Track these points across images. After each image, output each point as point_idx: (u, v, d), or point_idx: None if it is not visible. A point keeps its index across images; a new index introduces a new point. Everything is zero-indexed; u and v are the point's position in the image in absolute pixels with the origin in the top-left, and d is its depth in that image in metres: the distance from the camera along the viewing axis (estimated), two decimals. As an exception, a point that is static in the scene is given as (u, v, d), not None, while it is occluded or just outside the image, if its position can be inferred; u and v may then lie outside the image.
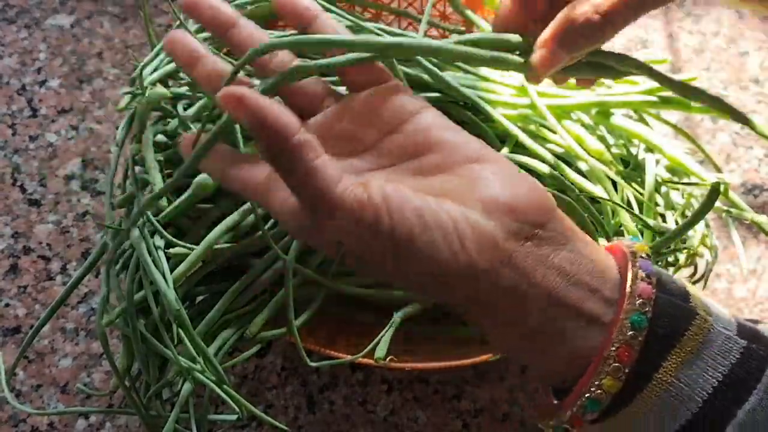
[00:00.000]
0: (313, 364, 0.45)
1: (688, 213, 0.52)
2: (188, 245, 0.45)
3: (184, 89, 0.49)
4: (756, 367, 0.32)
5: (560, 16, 0.37)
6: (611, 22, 0.36)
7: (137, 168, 0.47)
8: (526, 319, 0.33)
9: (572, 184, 0.49)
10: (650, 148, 0.53)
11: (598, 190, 0.50)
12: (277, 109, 0.31)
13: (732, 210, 0.53)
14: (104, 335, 0.45)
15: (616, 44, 0.70)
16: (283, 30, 0.56)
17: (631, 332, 0.32)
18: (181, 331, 0.43)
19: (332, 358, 0.46)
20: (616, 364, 0.32)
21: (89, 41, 0.69)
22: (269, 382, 0.53)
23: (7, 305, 0.56)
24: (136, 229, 0.44)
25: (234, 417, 0.45)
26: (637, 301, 0.32)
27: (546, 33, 0.38)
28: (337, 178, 0.33)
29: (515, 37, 0.40)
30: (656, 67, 0.54)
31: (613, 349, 0.32)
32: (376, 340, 0.45)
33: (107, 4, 0.71)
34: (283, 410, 0.52)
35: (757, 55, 0.69)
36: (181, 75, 0.50)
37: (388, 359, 0.45)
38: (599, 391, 0.32)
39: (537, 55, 0.38)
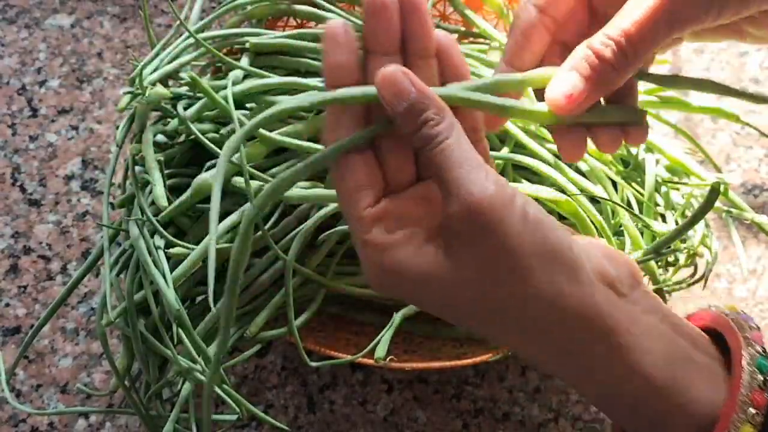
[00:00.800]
0: (314, 364, 0.45)
1: (688, 213, 0.52)
2: (188, 245, 0.45)
3: (184, 89, 0.49)
4: None
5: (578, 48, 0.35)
6: (631, 50, 0.34)
7: (137, 168, 0.48)
8: (648, 375, 0.32)
9: (572, 183, 0.49)
10: (650, 148, 0.53)
11: (598, 190, 0.50)
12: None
13: (732, 210, 0.53)
14: (104, 335, 0.45)
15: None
16: (282, 30, 0.56)
17: (760, 376, 0.31)
18: (181, 331, 0.43)
19: (332, 358, 0.46)
20: (754, 410, 0.31)
21: (89, 41, 0.69)
22: (269, 382, 0.53)
23: (7, 305, 0.56)
24: (136, 228, 0.44)
25: (234, 417, 0.45)
26: (756, 347, 0.32)
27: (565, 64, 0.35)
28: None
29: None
30: (656, 67, 0.55)
31: (747, 394, 0.31)
32: (376, 340, 0.45)
33: (107, 4, 0.71)
34: (283, 410, 0.52)
35: (757, 56, 0.69)
36: (182, 75, 0.50)
37: (388, 359, 0.45)
38: None
39: (556, 91, 0.34)
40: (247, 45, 0.50)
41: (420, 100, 0.31)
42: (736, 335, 0.33)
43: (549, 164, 0.50)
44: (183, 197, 0.45)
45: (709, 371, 0.33)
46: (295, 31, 0.52)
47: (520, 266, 0.31)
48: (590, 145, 0.52)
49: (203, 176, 0.44)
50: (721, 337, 0.34)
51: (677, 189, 0.53)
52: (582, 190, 0.49)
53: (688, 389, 0.32)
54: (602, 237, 0.49)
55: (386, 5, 0.33)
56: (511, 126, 0.50)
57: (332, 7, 0.52)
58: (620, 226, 0.50)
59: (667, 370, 0.32)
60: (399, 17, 0.33)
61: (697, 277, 0.52)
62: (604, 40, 0.34)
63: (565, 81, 0.34)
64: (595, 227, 0.49)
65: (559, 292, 0.31)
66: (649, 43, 0.34)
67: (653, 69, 0.40)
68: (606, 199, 0.49)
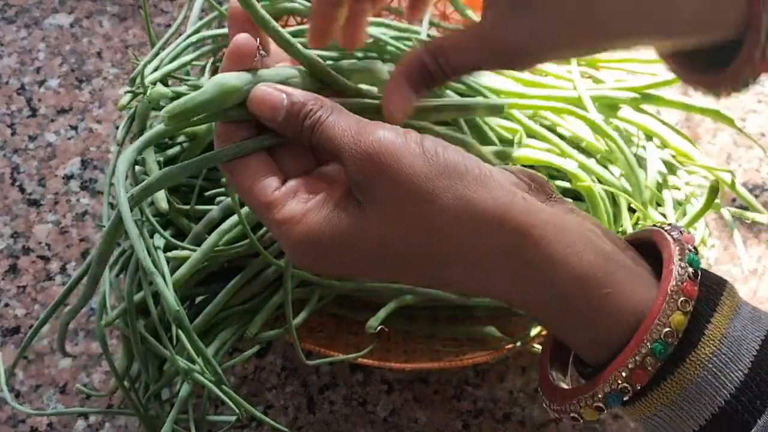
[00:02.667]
0: (310, 363, 0.45)
1: (689, 207, 0.52)
2: (188, 246, 0.45)
3: (184, 88, 0.49)
4: None
5: None
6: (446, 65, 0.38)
7: (137, 168, 0.47)
8: (573, 266, 0.32)
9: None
10: (650, 137, 0.53)
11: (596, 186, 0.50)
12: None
13: (731, 209, 0.53)
14: (103, 336, 0.45)
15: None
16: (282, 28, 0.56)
17: (691, 269, 0.31)
18: (180, 331, 0.43)
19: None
20: (684, 298, 0.31)
21: (88, 41, 0.68)
22: (269, 383, 0.53)
23: (6, 305, 0.56)
24: (136, 229, 0.44)
25: (233, 418, 0.45)
26: (687, 246, 0.32)
27: None
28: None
29: None
30: (655, 66, 0.55)
31: (678, 283, 0.31)
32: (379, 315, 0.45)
33: (107, 4, 0.71)
34: (283, 410, 0.52)
35: (758, 55, 0.69)
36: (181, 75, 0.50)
37: (379, 328, 0.45)
38: (668, 329, 0.30)
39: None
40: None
41: (293, 101, 0.34)
42: (665, 236, 0.33)
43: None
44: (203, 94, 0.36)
45: (638, 270, 0.33)
46: (296, 28, 0.52)
47: (424, 190, 0.32)
48: (591, 139, 0.52)
49: (227, 77, 0.36)
50: (650, 251, 0.34)
51: (678, 189, 0.53)
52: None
53: (615, 281, 0.32)
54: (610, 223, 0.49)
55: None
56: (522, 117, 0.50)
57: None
58: (621, 227, 0.50)
59: (593, 262, 0.32)
60: None
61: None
62: (428, 52, 0.37)
63: (399, 98, 0.37)
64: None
65: (468, 200, 0.32)
66: (462, 61, 0.37)
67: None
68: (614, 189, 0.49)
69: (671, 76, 0.53)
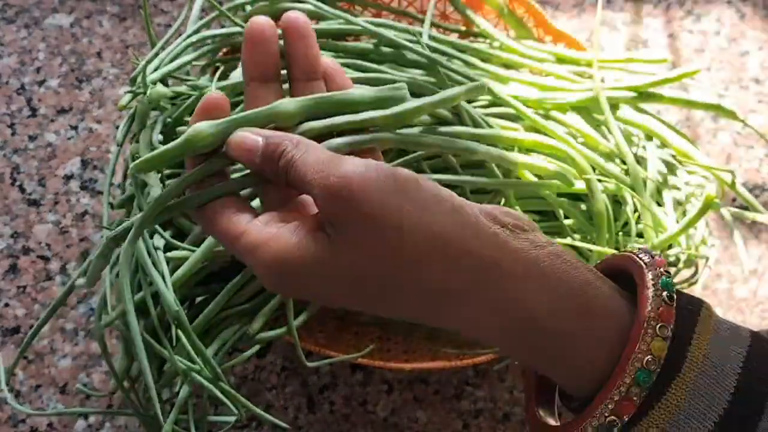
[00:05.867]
0: (311, 364, 0.45)
1: (689, 207, 0.52)
2: (188, 246, 0.45)
3: (184, 88, 0.49)
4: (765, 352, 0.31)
5: None
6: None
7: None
8: (546, 300, 0.31)
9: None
10: (650, 137, 0.53)
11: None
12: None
13: (731, 209, 0.53)
14: (102, 337, 0.45)
15: (616, 44, 0.70)
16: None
17: (666, 293, 0.31)
18: (180, 331, 0.42)
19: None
20: (661, 324, 0.30)
21: (88, 41, 0.68)
22: (269, 383, 0.53)
23: (6, 305, 0.56)
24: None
25: (233, 418, 0.45)
26: (659, 269, 0.32)
27: None
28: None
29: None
30: (656, 66, 0.55)
31: (654, 309, 0.31)
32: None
33: (106, 4, 0.71)
34: (283, 410, 0.52)
35: (758, 55, 0.69)
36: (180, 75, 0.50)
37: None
38: (649, 356, 0.30)
39: None
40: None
41: (269, 142, 0.34)
42: (637, 261, 0.33)
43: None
44: (170, 145, 0.36)
45: (615, 298, 0.33)
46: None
47: (393, 222, 0.31)
48: (592, 136, 0.52)
49: (200, 126, 0.35)
50: (623, 279, 0.34)
51: (678, 189, 0.53)
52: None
53: (592, 313, 0.32)
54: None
55: (266, 36, 0.36)
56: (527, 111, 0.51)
57: (331, 9, 0.52)
58: (626, 224, 0.50)
59: (567, 295, 0.32)
60: (276, 46, 0.36)
61: (697, 277, 0.52)
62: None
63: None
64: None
65: (438, 233, 0.31)
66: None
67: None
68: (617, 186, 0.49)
69: (670, 74, 0.53)
